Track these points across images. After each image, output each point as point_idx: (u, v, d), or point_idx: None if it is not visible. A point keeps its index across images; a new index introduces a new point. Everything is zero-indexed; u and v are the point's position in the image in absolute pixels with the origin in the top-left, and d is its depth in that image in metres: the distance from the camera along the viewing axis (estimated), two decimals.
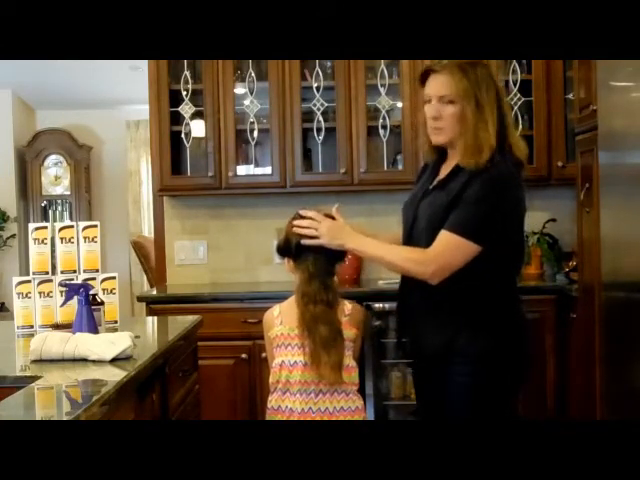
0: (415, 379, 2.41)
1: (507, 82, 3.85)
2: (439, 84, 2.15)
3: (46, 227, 2.63)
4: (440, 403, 2.20)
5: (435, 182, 2.23)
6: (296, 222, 2.30)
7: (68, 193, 7.67)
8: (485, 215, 2.07)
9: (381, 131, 3.92)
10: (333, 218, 2.33)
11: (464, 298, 2.12)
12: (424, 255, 2.10)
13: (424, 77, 2.20)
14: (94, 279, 2.56)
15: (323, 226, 2.24)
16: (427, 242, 2.12)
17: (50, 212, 7.67)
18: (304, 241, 2.26)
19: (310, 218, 2.27)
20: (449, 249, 2.08)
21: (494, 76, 2.18)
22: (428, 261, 2.09)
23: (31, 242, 2.59)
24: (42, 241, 2.59)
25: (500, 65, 3.75)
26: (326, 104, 3.90)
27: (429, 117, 2.18)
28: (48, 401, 1.73)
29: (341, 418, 2.32)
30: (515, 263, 2.24)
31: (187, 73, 3.92)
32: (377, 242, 2.26)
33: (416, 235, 2.20)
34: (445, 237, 2.08)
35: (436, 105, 2.15)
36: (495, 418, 2.14)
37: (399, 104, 3.94)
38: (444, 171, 2.22)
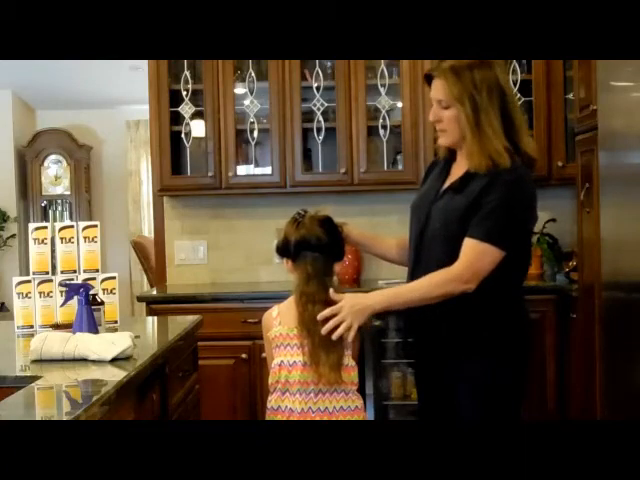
0: (418, 379, 2.41)
1: None
2: (435, 89, 2.17)
3: (46, 227, 2.63)
4: (445, 403, 2.21)
5: (448, 184, 2.21)
6: (322, 319, 2.14)
7: (68, 193, 7.67)
8: (508, 221, 2.08)
9: (381, 131, 3.92)
10: (331, 220, 2.33)
11: (476, 299, 2.11)
12: (453, 271, 2.08)
13: (428, 80, 2.22)
14: (94, 279, 2.56)
15: (345, 310, 2.12)
16: (441, 243, 2.13)
17: (50, 212, 7.67)
18: (337, 334, 2.11)
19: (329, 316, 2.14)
20: (478, 257, 2.07)
21: (500, 77, 2.15)
22: (461, 274, 2.07)
23: (31, 242, 2.59)
24: (42, 241, 2.59)
25: (500, 65, 3.75)
26: (326, 104, 3.90)
27: (431, 120, 2.22)
28: (48, 401, 1.73)
29: (341, 418, 2.32)
30: (526, 265, 2.25)
31: (187, 73, 3.92)
32: (397, 288, 2.24)
33: (429, 236, 2.18)
34: (472, 245, 2.08)
35: (435, 109, 2.18)
36: (503, 417, 2.14)
37: (399, 104, 3.94)
38: (456, 172, 2.21)
